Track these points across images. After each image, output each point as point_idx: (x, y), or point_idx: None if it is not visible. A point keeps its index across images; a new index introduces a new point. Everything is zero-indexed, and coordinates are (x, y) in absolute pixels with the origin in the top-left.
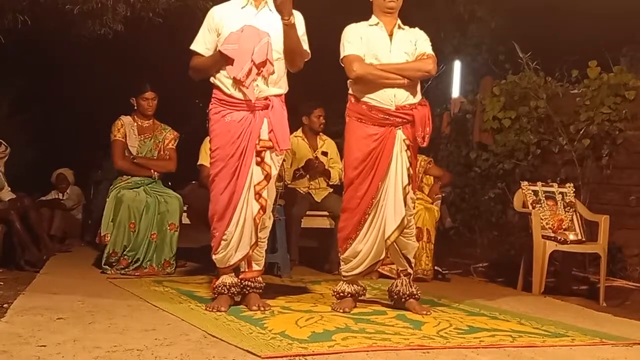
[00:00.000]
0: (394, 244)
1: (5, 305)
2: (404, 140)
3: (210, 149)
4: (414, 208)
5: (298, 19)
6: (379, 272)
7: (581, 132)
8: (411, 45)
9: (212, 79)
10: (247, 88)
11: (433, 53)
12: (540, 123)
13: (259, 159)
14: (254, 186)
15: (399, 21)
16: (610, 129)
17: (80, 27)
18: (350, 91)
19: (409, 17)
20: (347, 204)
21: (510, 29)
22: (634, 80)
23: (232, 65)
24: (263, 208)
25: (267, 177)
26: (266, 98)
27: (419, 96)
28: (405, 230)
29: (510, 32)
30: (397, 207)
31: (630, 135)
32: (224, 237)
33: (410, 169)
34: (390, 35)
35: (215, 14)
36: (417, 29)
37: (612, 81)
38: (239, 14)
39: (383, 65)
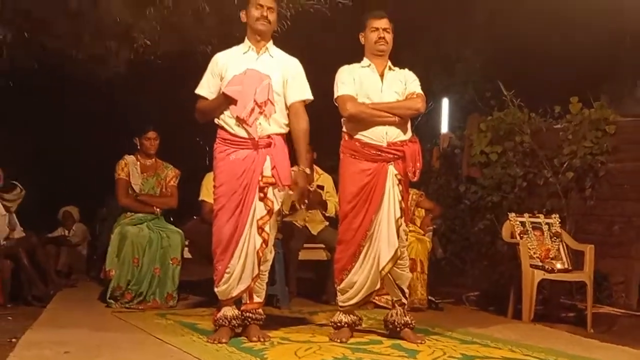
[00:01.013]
0: (389, 274)
1: (13, 340)
2: (395, 175)
3: (215, 186)
4: (406, 240)
5: (294, 63)
6: (375, 302)
7: (565, 165)
8: (401, 85)
9: (216, 120)
10: (251, 126)
11: (422, 92)
12: (525, 157)
13: (261, 194)
14: (257, 221)
15: (389, 63)
16: (593, 162)
17: (86, 70)
18: (344, 129)
19: (399, 58)
20: (343, 236)
21: (495, 68)
22: (614, 115)
23: (235, 105)
24: (265, 242)
25: (270, 212)
26: (268, 136)
27: (409, 133)
28: (399, 261)
29: (495, 71)
30: (390, 239)
31: (612, 168)
32: (227, 270)
33: (402, 202)
34: (382, 75)
35: (219, 59)
36: (406, 69)
37: (593, 116)
38: (241, 59)
39: (375, 104)
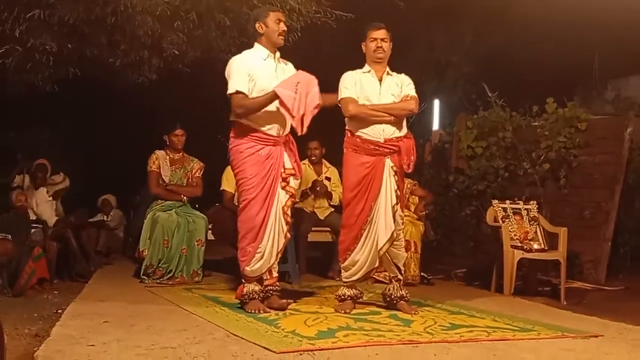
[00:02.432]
0: (386, 254)
1: (59, 311)
2: (391, 167)
3: (245, 177)
4: (402, 224)
5: (293, 68)
6: (374, 278)
7: (542, 158)
8: (397, 88)
9: (244, 120)
10: (303, 126)
11: (416, 95)
12: (507, 151)
13: (284, 183)
14: (282, 207)
15: (387, 68)
16: (566, 155)
17: (121, 76)
18: (347, 127)
19: (396, 63)
20: (346, 220)
21: (480, 72)
22: (585, 114)
23: (284, 104)
24: (288, 223)
25: (292, 196)
26: (287, 134)
27: (404, 130)
28: (395, 242)
29: (480, 75)
30: (387, 223)
31: (584, 160)
32: (258, 251)
33: (398, 190)
34: (380, 80)
35: (243, 59)
36: (403, 74)
37: (567, 115)
38: (264, 65)
39: (373, 105)
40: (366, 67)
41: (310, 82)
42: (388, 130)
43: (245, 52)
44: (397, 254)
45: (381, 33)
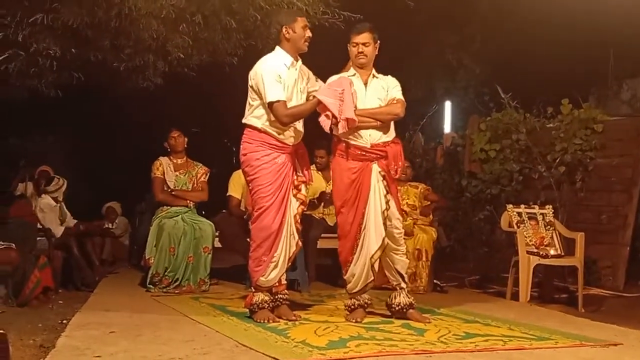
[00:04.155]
0: (387, 260)
1: (64, 321)
2: (379, 172)
3: (261, 185)
4: (402, 228)
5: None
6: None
7: (557, 161)
8: (384, 91)
9: (262, 126)
10: (347, 128)
11: (402, 98)
12: (521, 153)
13: (295, 191)
14: (295, 215)
15: (373, 71)
16: (582, 157)
17: (125, 81)
18: (334, 132)
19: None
20: (341, 231)
21: (493, 73)
22: (601, 115)
23: (330, 111)
24: (298, 231)
25: (303, 203)
26: (299, 142)
27: (392, 134)
28: (396, 246)
29: (493, 76)
30: (377, 229)
31: (600, 163)
32: (273, 260)
33: (388, 195)
34: (365, 84)
35: (272, 65)
36: (389, 76)
37: (582, 116)
38: (289, 73)
39: (359, 110)
40: (351, 71)
41: (350, 85)
42: (375, 135)
43: (270, 57)
44: (399, 260)
45: (362, 37)
